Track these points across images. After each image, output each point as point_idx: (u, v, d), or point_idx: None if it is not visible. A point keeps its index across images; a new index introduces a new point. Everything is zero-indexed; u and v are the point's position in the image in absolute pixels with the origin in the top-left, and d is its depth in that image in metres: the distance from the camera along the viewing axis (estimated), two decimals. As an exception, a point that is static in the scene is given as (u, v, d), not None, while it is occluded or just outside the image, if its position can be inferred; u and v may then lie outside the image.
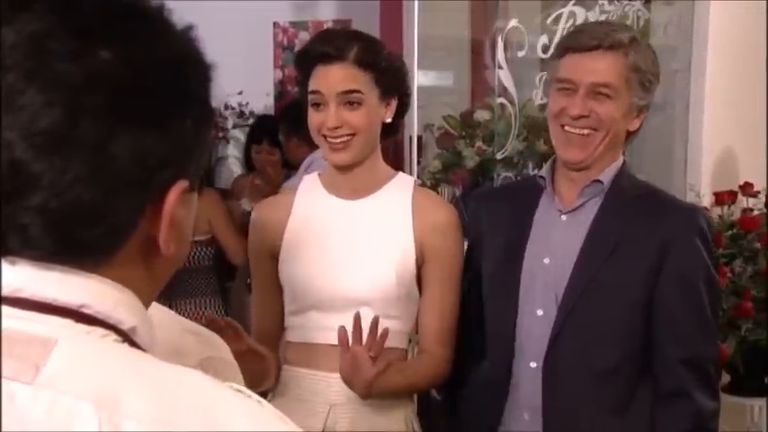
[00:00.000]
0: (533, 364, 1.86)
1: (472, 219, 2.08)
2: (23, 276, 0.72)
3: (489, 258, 1.98)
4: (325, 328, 1.91)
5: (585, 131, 1.84)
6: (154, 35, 0.75)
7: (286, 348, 2.01)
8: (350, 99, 1.86)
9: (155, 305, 1.17)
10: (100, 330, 0.73)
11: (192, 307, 3.69)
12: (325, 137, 1.88)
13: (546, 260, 1.88)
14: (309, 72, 1.89)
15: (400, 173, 2.01)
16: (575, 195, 1.89)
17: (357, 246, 1.93)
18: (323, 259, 1.92)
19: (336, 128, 1.85)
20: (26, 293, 0.72)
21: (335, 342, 1.86)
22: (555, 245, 1.88)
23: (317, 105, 1.88)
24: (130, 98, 0.72)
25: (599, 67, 1.82)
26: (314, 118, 1.89)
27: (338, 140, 1.87)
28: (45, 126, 0.69)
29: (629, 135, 1.89)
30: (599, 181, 1.87)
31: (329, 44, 1.88)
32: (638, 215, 1.85)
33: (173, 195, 0.75)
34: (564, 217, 1.89)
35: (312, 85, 1.88)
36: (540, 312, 1.86)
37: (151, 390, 0.69)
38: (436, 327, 1.96)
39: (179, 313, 3.91)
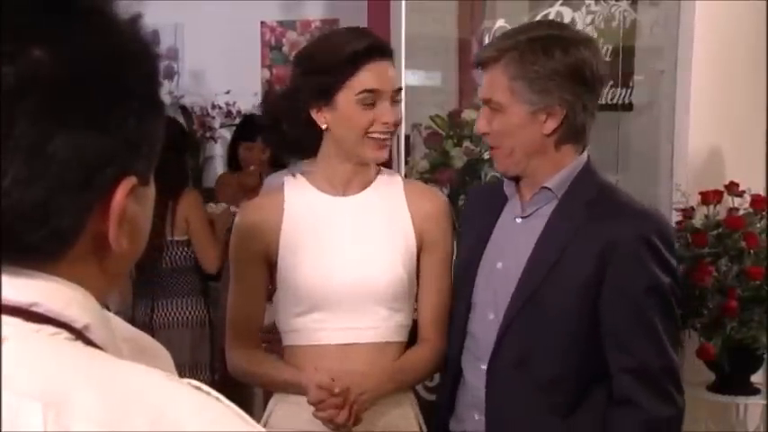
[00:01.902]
0: (483, 366, 1.87)
1: (463, 211, 2.11)
2: None
3: (459, 255, 2.02)
4: (335, 328, 1.91)
5: (492, 148, 1.88)
6: (90, 33, 0.74)
7: (288, 352, 1.98)
8: (398, 97, 1.90)
9: None
10: (50, 329, 0.72)
11: (175, 307, 3.67)
12: (367, 135, 1.87)
13: (499, 264, 1.89)
14: (356, 70, 1.85)
15: (383, 168, 2.02)
16: (528, 202, 1.89)
17: (361, 242, 1.92)
18: (329, 258, 1.91)
19: (393, 124, 1.88)
20: None
21: (344, 341, 1.90)
22: (508, 250, 1.89)
23: (368, 104, 1.86)
24: (66, 98, 0.71)
25: (485, 83, 1.86)
26: (364, 116, 1.86)
27: (386, 137, 1.89)
28: None
29: (557, 137, 1.82)
30: (547, 188, 1.85)
31: (378, 40, 1.89)
32: (586, 222, 1.80)
33: (120, 192, 0.75)
34: (519, 220, 1.89)
35: (366, 83, 1.86)
36: (491, 316, 1.88)
37: (102, 388, 0.68)
38: (434, 315, 1.99)
39: (161, 313, 3.85)
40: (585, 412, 1.82)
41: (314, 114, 1.89)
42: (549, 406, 1.82)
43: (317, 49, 1.91)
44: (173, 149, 3.66)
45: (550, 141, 1.83)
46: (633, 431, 1.79)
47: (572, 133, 1.83)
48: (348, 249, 1.92)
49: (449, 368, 1.97)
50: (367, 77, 1.85)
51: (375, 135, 1.88)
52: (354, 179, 1.95)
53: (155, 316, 3.65)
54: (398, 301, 1.93)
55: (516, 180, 1.90)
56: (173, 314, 3.67)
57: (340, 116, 1.87)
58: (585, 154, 1.88)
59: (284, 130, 1.92)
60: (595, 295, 1.77)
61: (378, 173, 1.99)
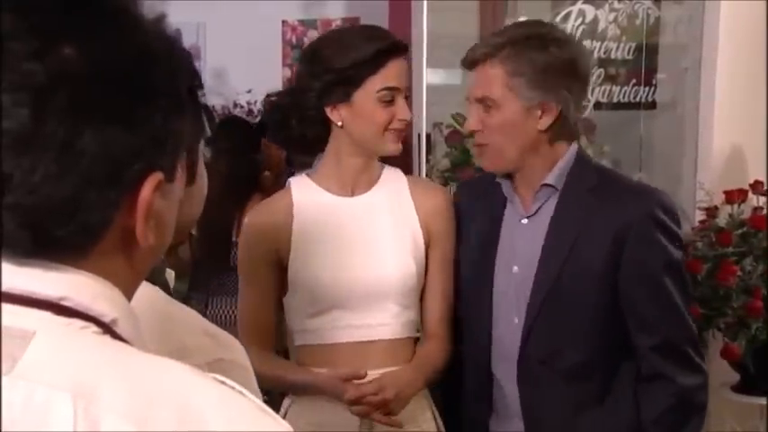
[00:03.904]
0: (515, 371, 1.88)
1: (458, 210, 2.09)
2: (3, 272, 0.73)
3: (464, 257, 2.01)
4: (349, 326, 1.93)
5: (482, 146, 1.89)
6: (117, 31, 0.75)
7: (302, 352, 2.00)
8: (408, 93, 1.94)
9: (180, 305, 1.18)
10: (79, 322, 0.73)
11: (228, 305, 3.73)
12: (386, 130, 1.90)
13: (515, 268, 1.90)
14: (375, 70, 1.87)
15: (385, 165, 2.03)
16: (530, 200, 1.90)
17: (372, 240, 1.94)
18: (341, 258, 1.93)
19: (410, 119, 1.93)
20: (5, 288, 0.73)
21: (358, 339, 1.93)
22: (519, 252, 1.90)
23: (388, 101, 1.89)
24: (95, 95, 0.72)
25: (477, 81, 1.87)
26: (385, 113, 1.89)
27: (403, 130, 1.92)
28: (12, 126, 0.70)
29: (551, 133, 1.84)
30: (548, 185, 1.86)
31: (397, 38, 1.93)
32: (592, 210, 1.83)
33: (146, 188, 0.76)
34: (525, 221, 1.90)
35: (389, 81, 1.88)
36: (516, 321, 1.88)
37: (128, 381, 0.70)
38: (441, 309, 2.02)
39: (215, 310, 3.95)
40: (617, 395, 1.86)
41: (328, 112, 1.90)
42: (581, 395, 1.85)
43: (332, 49, 1.89)
44: (242, 152, 3.72)
45: (544, 138, 1.85)
46: (666, 403, 1.83)
47: (566, 130, 1.86)
48: (359, 248, 1.93)
49: (478, 372, 1.96)
50: (388, 75, 1.88)
51: (393, 130, 1.90)
52: (362, 177, 1.97)
53: (208, 312, 3.71)
54: (408, 297, 1.96)
55: (510, 178, 1.91)
56: (226, 311, 3.72)
57: (358, 113, 1.89)
58: (575, 144, 1.91)
59: (293, 129, 1.93)
60: (613, 280, 1.80)
61: (382, 170, 2.01)
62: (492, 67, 1.82)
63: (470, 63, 1.87)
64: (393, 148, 1.93)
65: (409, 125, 1.97)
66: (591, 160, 1.94)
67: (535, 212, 1.89)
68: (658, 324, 1.82)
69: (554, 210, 1.86)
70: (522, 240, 1.90)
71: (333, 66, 1.87)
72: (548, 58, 1.80)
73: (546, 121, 1.82)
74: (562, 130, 1.85)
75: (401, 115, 1.89)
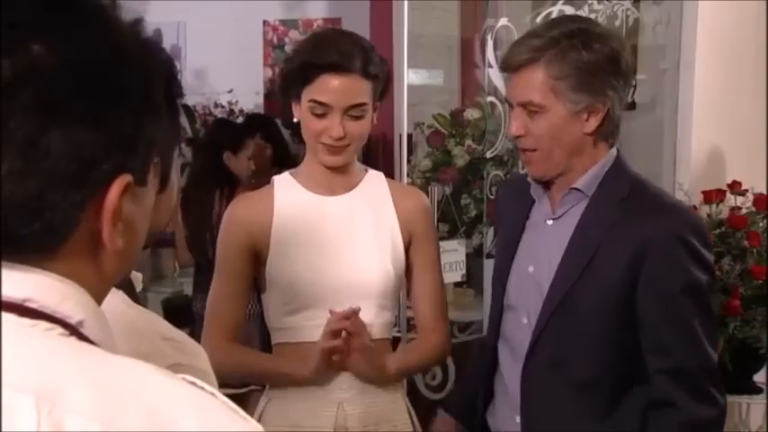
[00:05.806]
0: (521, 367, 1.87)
1: (496, 207, 2.09)
2: None
3: (496, 254, 2.04)
4: (324, 326, 1.92)
5: (528, 151, 1.82)
6: (88, 29, 0.74)
7: (279, 350, 2.00)
8: (356, 113, 1.88)
9: (141, 310, 1.16)
10: (44, 324, 0.72)
11: None
12: (319, 141, 1.89)
13: (530, 268, 1.87)
14: (310, 79, 1.86)
15: (369, 169, 2.04)
16: (558, 202, 1.86)
17: (352, 240, 1.95)
18: (321, 256, 1.93)
19: (341, 138, 1.87)
20: None
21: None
22: (539, 252, 1.86)
23: (319, 114, 1.87)
24: (63, 93, 0.72)
25: (519, 85, 1.79)
26: (315, 125, 1.88)
27: (338, 145, 1.89)
28: None
29: (596, 134, 1.79)
30: (576, 189, 1.82)
31: (337, 54, 1.85)
32: (619, 221, 1.76)
33: (114, 190, 0.75)
34: (550, 222, 1.87)
35: (317, 95, 1.86)
36: (524, 320, 1.86)
37: (95, 383, 0.69)
38: (435, 306, 2.04)
39: None
40: (624, 415, 1.79)
41: (293, 106, 1.92)
42: (586, 407, 1.80)
43: (296, 48, 1.99)
44: (224, 149, 3.79)
45: (590, 140, 1.80)
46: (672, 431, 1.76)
47: (610, 130, 1.81)
48: (338, 248, 1.94)
49: (483, 371, 1.97)
50: (315, 89, 1.87)
51: (325, 143, 1.89)
52: (341, 177, 1.97)
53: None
54: (387, 298, 1.97)
55: (546, 183, 1.86)
56: None
57: (301, 115, 1.91)
58: (615, 149, 1.85)
59: (291, 122, 1.96)
60: (629, 296, 1.74)
61: (364, 173, 2.02)
62: (535, 71, 1.74)
63: (514, 67, 1.78)
64: (327, 159, 1.91)
65: (354, 143, 1.90)
66: (628, 169, 1.85)
67: (561, 215, 1.84)
68: (672, 348, 1.74)
69: (580, 217, 1.81)
70: (544, 242, 1.85)
71: (286, 65, 1.94)
72: (592, 58, 1.73)
73: (593, 124, 1.77)
74: (607, 130, 1.80)
75: (330, 131, 1.87)
